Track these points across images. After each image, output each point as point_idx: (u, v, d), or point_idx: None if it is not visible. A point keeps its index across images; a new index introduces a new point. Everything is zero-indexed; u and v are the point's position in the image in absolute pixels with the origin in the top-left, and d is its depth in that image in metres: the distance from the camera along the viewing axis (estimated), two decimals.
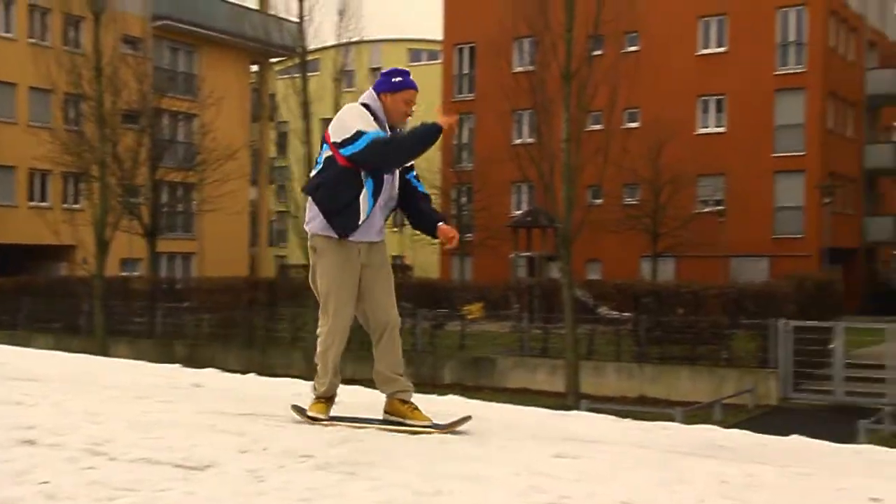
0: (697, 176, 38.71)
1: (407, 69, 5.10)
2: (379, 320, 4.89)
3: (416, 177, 5.15)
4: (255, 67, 48.18)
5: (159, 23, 41.33)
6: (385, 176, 4.87)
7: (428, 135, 4.71)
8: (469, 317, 31.88)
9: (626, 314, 26.97)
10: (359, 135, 4.69)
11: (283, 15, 30.09)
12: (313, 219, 4.89)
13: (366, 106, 4.88)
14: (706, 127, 41.15)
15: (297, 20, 27.34)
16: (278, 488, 3.58)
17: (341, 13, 27.14)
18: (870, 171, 44.73)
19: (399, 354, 4.93)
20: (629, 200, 39.59)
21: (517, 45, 37.60)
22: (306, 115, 26.04)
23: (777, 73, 39.68)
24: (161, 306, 32.74)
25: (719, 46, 40.68)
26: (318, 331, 4.93)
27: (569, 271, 22.44)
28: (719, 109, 40.88)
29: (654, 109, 38.34)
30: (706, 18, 40.77)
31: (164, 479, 3.65)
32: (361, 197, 4.77)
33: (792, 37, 39.80)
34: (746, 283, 29.26)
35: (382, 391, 4.98)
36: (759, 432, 6.21)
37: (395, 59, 62.57)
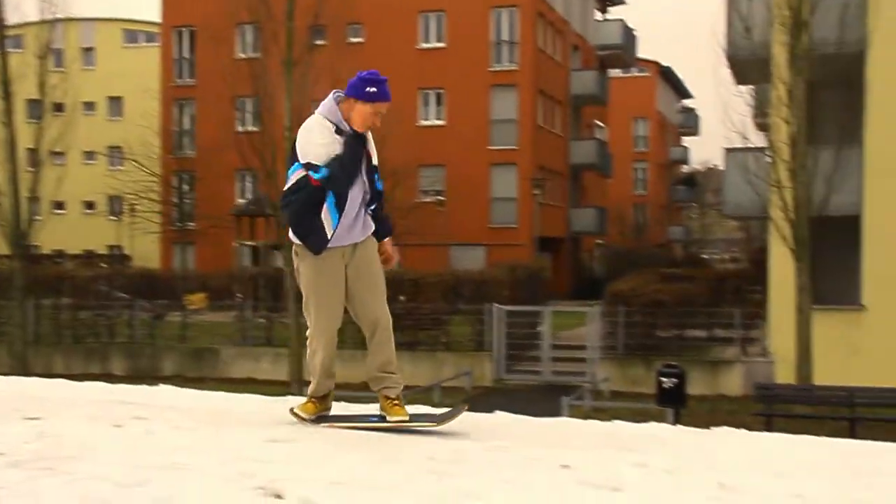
0: (419, 166, 39.71)
1: (384, 77, 4.85)
2: (368, 320, 4.91)
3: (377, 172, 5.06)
4: None
5: None
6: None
7: (356, 146, 4.76)
8: (191, 307, 31.05)
9: None
10: (318, 168, 4.68)
11: None
12: None
13: (329, 119, 4.78)
14: (427, 119, 42.31)
15: None
16: None
17: None
18: (575, 166, 47.88)
19: (390, 354, 4.93)
20: None
21: (239, 30, 36.92)
22: (7, 94, 24.17)
23: (491, 69, 41.50)
24: None
25: (438, 41, 41.97)
26: (307, 333, 4.96)
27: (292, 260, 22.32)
28: (439, 102, 42.19)
29: None
30: (426, 13, 41.89)
31: None
32: (323, 214, 4.74)
33: (505, 36, 41.82)
34: (464, 270, 30.48)
35: (372, 388, 4.99)
36: (474, 412, 6.49)
37: (108, 39, 59.71)
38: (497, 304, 25.15)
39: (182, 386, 7.45)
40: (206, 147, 40.75)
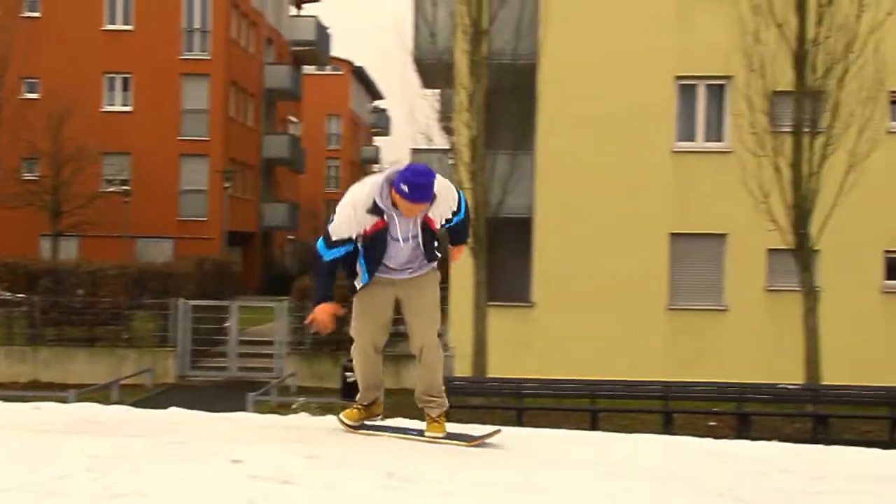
0: (102, 154, 37.75)
1: (424, 180, 4.73)
2: (415, 345, 5.17)
3: (461, 216, 5.18)
4: None
5: None
6: (391, 242, 4.97)
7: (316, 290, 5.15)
8: None
9: (20, 295, 25.44)
10: (329, 244, 4.97)
11: None
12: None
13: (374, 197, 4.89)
14: (112, 105, 40.36)
15: None
16: None
17: None
18: (267, 160, 47.56)
19: (434, 378, 5.21)
20: (28, 175, 37.28)
21: None
22: None
23: (183, 57, 40.30)
24: None
25: (126, 24, 40.11)
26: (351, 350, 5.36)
27: None
28: (126, 88, 40.35)
29: (57, 81, 36.55)
30: None
31: None
32: (357, 268, 5.09)
33: (197, 24, 40.75)
34: (148, 263, 29.38)
35: (418, 405, 5.31)
36: (153, 408, 6.30)
37: None
38: (183, 299, 24.46)
39: None
40: None
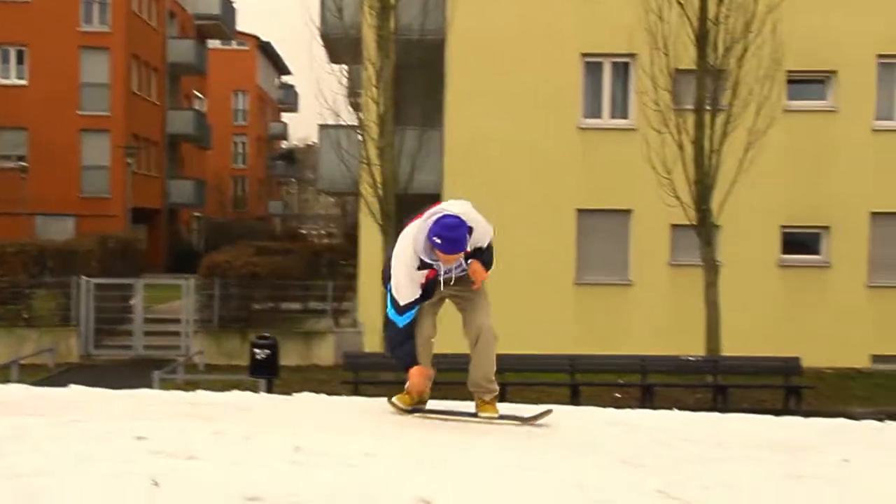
0: None
1: (457, 233, 4.88)
2: (471, 330, 5.28)
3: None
4: None
5: None
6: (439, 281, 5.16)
7: (400, 358, 5.26)
8: None
9: None
10: (394, 302, 5.19)
11: None
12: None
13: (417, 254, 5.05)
14: (6, 78, 38.97)
15: None
16: None
17: None
18: (172, 136, 46.59)
19: (489, 366, 5.29)
20: None
21: None
22: None
23: (81, 30, 39.11)
24: None
25: None
26: None
27: None
28: (20, 61, 38.96)
29: None
30: None
31: None
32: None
33: None
34: (49, 240, 28.56)
35: (470, 389, 5.37)
36: (53, 386, 6.17)
37: None
38: (85, 277, 23.88)
39: None
40: None
